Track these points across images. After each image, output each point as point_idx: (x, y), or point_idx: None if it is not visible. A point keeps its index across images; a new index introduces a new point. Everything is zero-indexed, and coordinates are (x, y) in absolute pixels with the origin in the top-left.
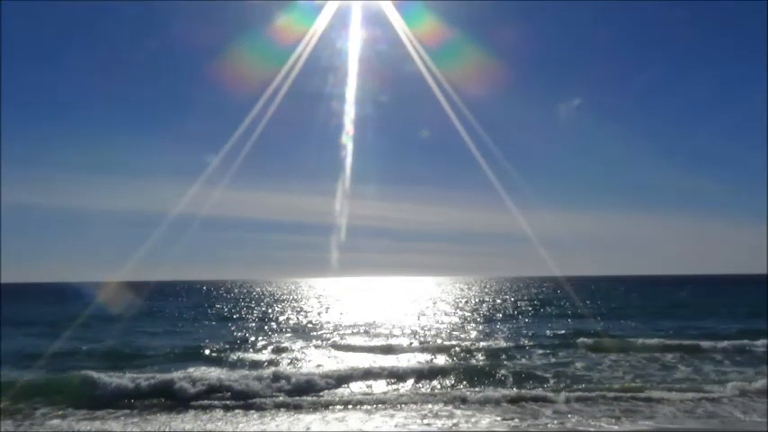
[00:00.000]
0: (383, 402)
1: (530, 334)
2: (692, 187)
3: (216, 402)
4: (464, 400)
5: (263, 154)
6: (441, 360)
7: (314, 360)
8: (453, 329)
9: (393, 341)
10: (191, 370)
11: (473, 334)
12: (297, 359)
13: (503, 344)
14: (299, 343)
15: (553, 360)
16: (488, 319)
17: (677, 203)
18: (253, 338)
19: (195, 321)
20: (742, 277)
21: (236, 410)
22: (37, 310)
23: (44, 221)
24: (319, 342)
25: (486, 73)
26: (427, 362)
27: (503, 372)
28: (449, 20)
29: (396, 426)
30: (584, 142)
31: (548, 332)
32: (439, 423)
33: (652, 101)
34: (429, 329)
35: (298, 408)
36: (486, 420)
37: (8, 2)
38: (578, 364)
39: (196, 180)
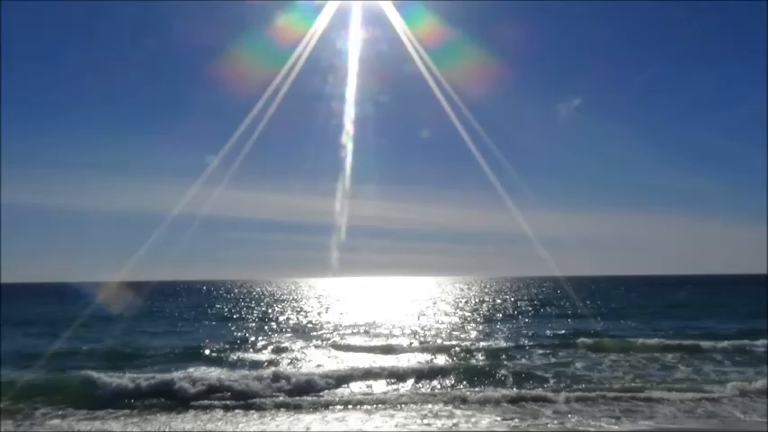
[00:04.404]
0: (383, 402)
1: (530, 334)
2: (691, 187)
3: (216, 402)
4: (464, 400)
5: (263, 154)
6: (441, 360)
7: (314, 360)
8: (453, 329)
9: (393, 341)
10: (191, 370)
11: (473, 334)
12: (297, 359)
13: (503, 344)
14: (299, 343)
15: (553, 360)
16: (488, 319)
17: (677, 203)
18: (253, 338)
19: (195, 321)
20: (742, 277)
21: (236, 410)
22: (37, 310)
23: (44, 221)
24: (319, 342)
25: (486, 73)
26: (427, 362)
27: (503, 372)
28: (449, 20)
29: (396, 426)
30: (583, 142)
31: (548, 332)
32: (439, 423)
33: (652, 100)
34: (429, 329)
35: (298, 408)
36: (486, 420)
37: (8, 1)
38: (578, 364)
39: (196, 180)
